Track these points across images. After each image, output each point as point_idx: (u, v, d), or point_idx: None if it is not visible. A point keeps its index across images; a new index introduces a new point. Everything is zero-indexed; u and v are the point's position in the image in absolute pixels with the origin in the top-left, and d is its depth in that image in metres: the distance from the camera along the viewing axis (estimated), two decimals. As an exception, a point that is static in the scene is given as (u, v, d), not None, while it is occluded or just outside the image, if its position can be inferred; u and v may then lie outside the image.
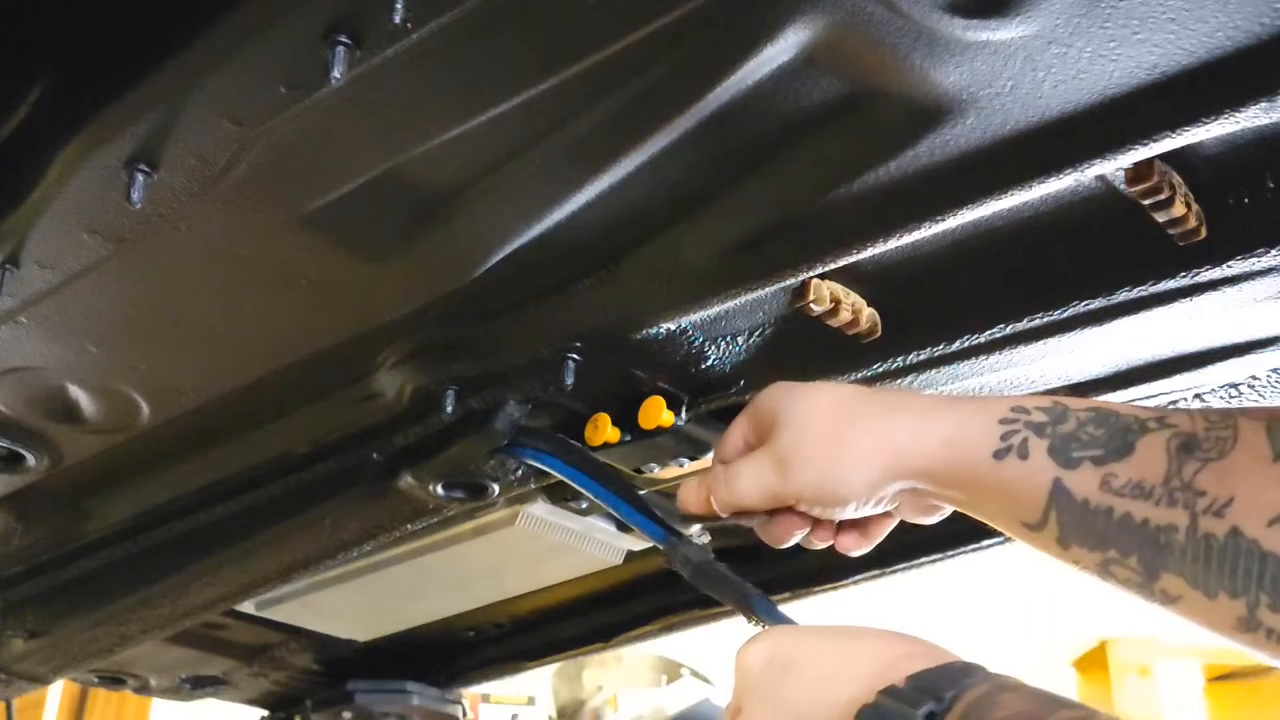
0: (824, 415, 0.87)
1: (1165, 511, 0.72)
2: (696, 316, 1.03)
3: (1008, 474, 0.79)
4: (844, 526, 0.93)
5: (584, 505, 1.37)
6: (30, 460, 1.23)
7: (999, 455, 0.79)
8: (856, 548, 0.94)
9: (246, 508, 1.36)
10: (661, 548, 1.01)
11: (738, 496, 0.91)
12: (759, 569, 1.46)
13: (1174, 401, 1.10)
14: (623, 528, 1.42)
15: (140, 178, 0.85)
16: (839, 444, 0.85)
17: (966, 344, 0.99)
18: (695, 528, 1.35)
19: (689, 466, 1.15)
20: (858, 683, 0.71)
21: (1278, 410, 0.73)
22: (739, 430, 0.94)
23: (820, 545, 0.94)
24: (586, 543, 1.47)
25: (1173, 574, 0.72)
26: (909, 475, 0.84)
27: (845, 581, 1.46)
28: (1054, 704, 0.65)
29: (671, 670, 3.70)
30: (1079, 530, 0.76)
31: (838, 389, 0.90)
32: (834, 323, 0.99)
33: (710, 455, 1.13)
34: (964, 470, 0.81)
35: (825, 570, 1.46)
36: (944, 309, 1.00)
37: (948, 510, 0.89)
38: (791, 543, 0.93)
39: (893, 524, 0.93)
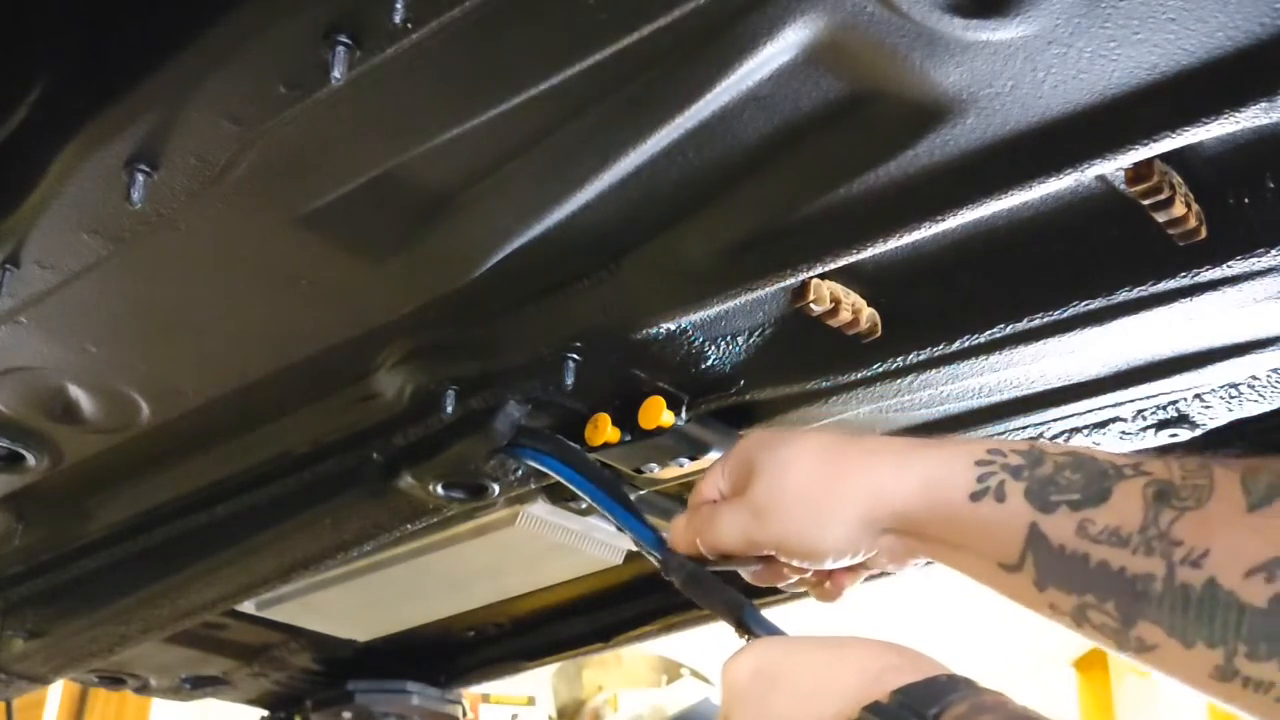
0: (801, 466, 0.86)
1: (1142, 560, 0.72)
2: (696, 316, 1.03)
3: (984, 515, 0.78)
4: (824, 576, 0.92)
5: (584, 505, 1.37)
6: (30, 460, 1.23)
7: (975, 497, 0.79)
8: (830, 598, 0.93)
9: (246, 508, 1.36)
10: (653, 554, 1.00)
11: (718, 541, 0.90)
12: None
13: (1174, 401, 1.10)
14: (620, 529, 1.43)
15: (140, 178, 0.85)
16: (817, 495, 0.85)
17: (966, 344, 0.99)
18: None
19: (689, 466, 1.15)
20: (843, 697, 0.71)
21: (1252, 460, 0.73)
22: (716, 475, 0.93)
23: (804, 590, 0.94)
24: (586, 543, 1.47)
25: (1149, 622, 0.71)
26: (887, 520, 0.83)
27: (845, 581, 1.46)
28: None
29: (671, 670, 3.70)
30: (1055, 574, 0.75)
31: (816, 438, 0.89)
32: (834, 323, 0.99)
33: (709, 457, 1.13)
34: (941, 512, 0.80)
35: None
36: (944, 309, 1.00)
37: (920, 562, 0.88)
38: (782, 584, 0.93)
39: (860, 577, 0.92)
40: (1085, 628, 0.76)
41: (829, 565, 0.87)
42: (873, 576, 0.92)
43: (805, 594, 0.96)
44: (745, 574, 0.93)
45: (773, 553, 0.88)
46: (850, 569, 0.90)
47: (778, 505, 0.86)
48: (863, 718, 0.68)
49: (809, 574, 0.91)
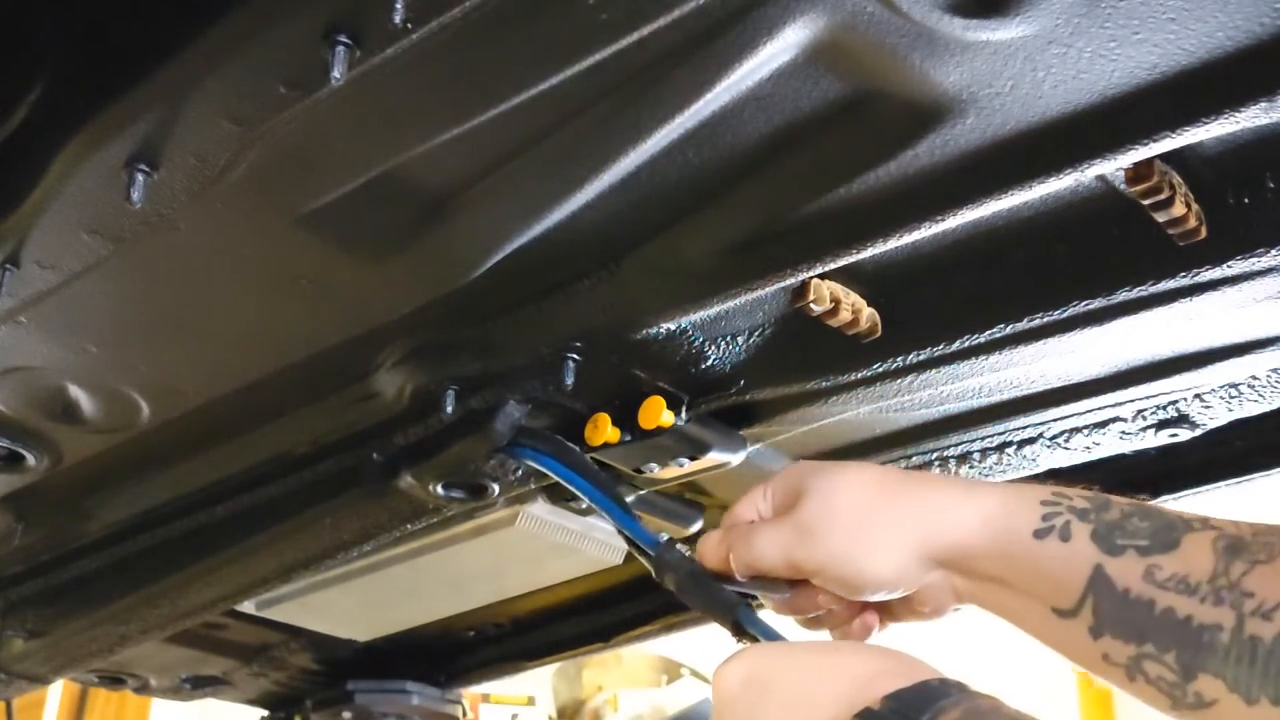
0: (855, 490, 0.84)
1: (1210, 610, 0.70)
2: (696, 316, 1.03)
3: (1047, 554, 0.76)
4: (856, 610, 0.89)
5: (584, 505, 1.37)
6: (30, 460, 1.23)
7: (1039, 534, 0.77)
8: (856, 640, 0.89)
9: (246, 508, 1.36)
10: (647, 556, 1.00)
11: (755, 558, 0.88)
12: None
13: (1174, 401, 1.10)
14: (619, 530, 1.43)
15: (140, 178, 0.85)
16: (869, 519, 0.83)
17: (966, 344, 0.99)
18: (689, 530, 1.35)
19: (689, 466, 1.15)
20: (835, 703, 0.70)
21: None
22: (757, 497, 0.92)
23: (835, 627, 0.90)
24: (586, 543, 1.47)
25: (1211, 675, 0.70)
26: (941, 552, 0.81)
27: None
28: None
29: (671, 670, 3.70)
30: (1115, 620, 0.74)
31: (868, 469, 0.87)
32: (834, 323, 0.99)
33: (709, 457, 1.13)
34: (1002, 547, 0.78)
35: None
36: (944, 309, 1.00)
37: (954, 609, 0.86)
38: (812, 615, 0.90)
39: (892, 620, 0.89)
40: (1138, 681, 0.74)
41: (867, 596, 0.85)
42: (904, 620, 0.89)
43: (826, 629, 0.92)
44: (771, 600, 0.90)
45: (810, 578, 0.86)
46: (884, 608, 0.88)
47: (827, 526, 0.84)
48: None
49: (840, 606, 0.88)
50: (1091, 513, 0.77)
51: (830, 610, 0.89)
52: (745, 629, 0.89)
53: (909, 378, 1.04)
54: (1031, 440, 1.17)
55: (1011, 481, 0.83)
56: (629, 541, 1.04)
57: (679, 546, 0.98)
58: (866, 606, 0.88)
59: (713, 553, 0.92)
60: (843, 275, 0.98)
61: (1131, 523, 0.76)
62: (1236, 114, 0.75)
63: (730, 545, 0.90)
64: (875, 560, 0.82)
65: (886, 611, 0.89)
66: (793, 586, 0.88)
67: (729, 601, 0.91)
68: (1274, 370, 1.05)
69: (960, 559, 0.81)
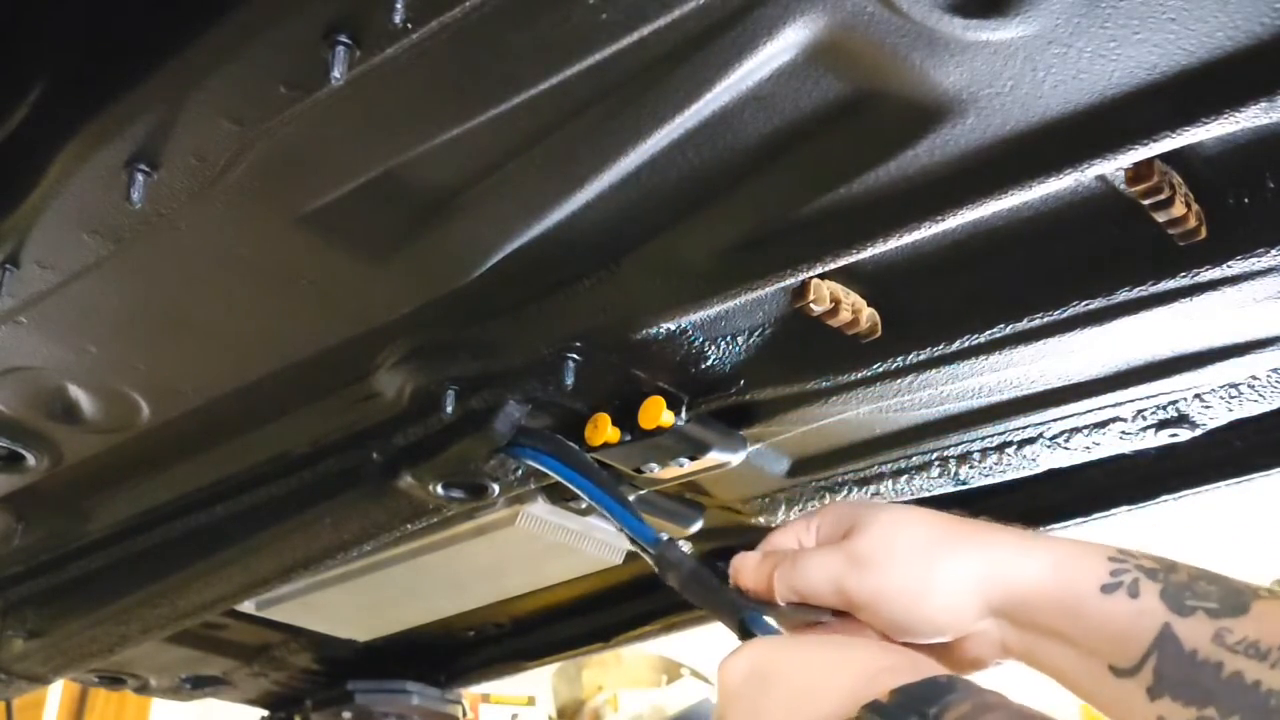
0: (916, 528, 0.83)
1: None
2: (696, 316, 1.03)
3: (1114, 610, 0.75)
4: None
5: (584, 505, 1.37)
6: (30, 460, 1.23)
7: (1107, 589, 0.76)
8: None
9: (246, 508, 1.36)
10: (650, 554, 1.00)
11: (803, 584, 0.85)
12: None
13: (1174, 401, 1.10)
14: (620, 529, 1.43)
15: (140, 178, 0.85)
16: (930, 557, 0.81)
17: (966, 344, 0.99)
18: (688, 530, 1.35)
19: (689, 466, 1.15)
20: (839, 697, 0.70)
21: None
22: (799, 527, 0.90)
23: None
24: (586, 543, 1.47)
25: None
26: (1000, 600, 0.79)
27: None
28: None
29: (671, 670, 3.70)
30: (1178, 682, 0.72)
31: (924, 509, 0.85)
32: (834, 322, 0.99)
33: (709, 457, 1.13)
34: (1067, 600, 0.77)
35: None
36: (944, 309, 1.00)
37: (995, 663, 0.84)
38: None
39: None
40: None
41: (915, 637, 0.82)
42: None
43: None
44: (791, 630, 0.88)
45: (858, 610, 0.83)
46: (929, 652, 0.84)
47: (885, 559, 0.82)
48: (862, 717, 0.67)
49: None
50: (1160, 573, 0.76)
51: None
52: (750, 629, 0.89)
53: (909, 378, 1.04)
54: (1031, 440, 1.17)
55: (1072, 540, 0.81)
56: (631, 540, 1.04)
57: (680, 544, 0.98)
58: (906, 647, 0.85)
59: (752, 574, 0.89)
60: (843, 275, 0.98)
61: (1199, 585, 0.74)
62: (1236, 114, 0.75)
63: (774, 567, 0.87)
64: (933, 599, 0.80)
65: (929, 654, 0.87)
66: (836, 616, 0.85)
67: (734, 601, 0.91)
68: (1274, 370, 1.05)
69: (1018, 607, 0.79)
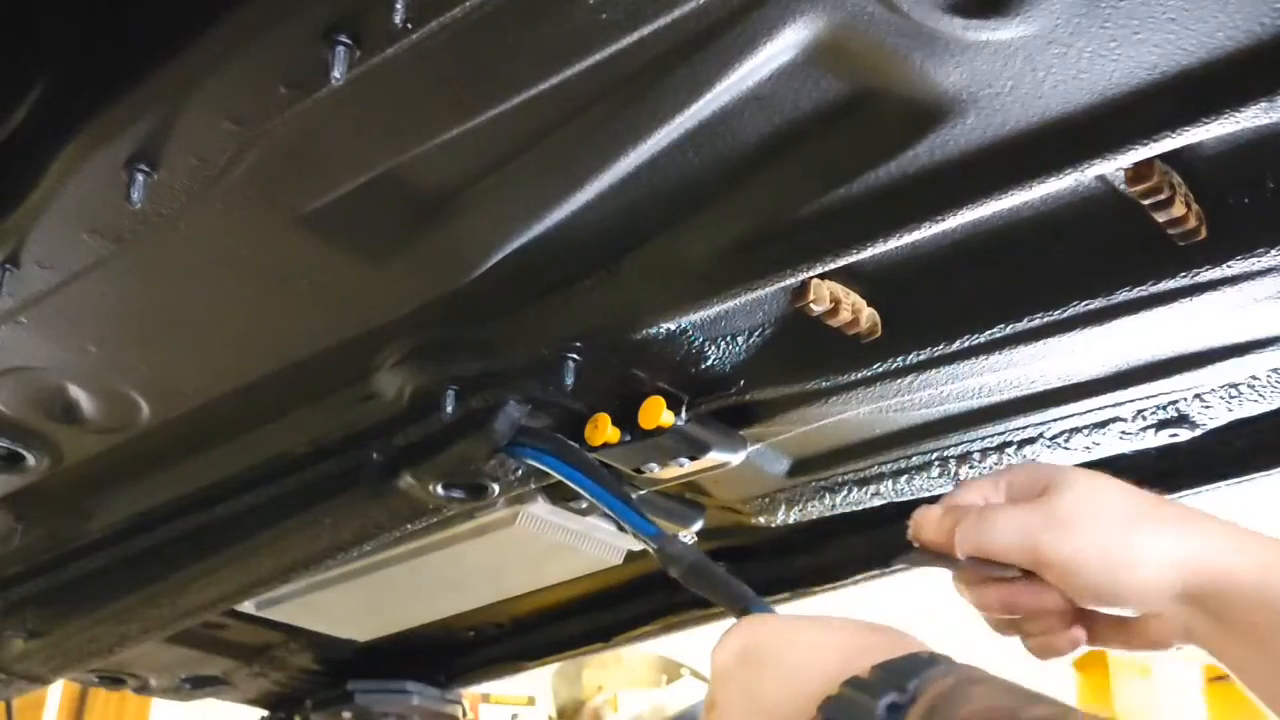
0: (1119, 493, 0.80)
1: None
2: (696, 316, 1.03)
3: None
4: (1072, 619, 0.82)
5: (584, 505, 1.37)
6: (30, 460, 1.23)
7: None
8: (1056, 652, 0.83)
9: (246, 508, 1.36)
10: (653, 547, 1.00)
11: (990, 539, 0.81)
12: (755, 569, 1.46)
13: (1174, 401, 1.10)
14: (623, 528, 1.43)
15: (140, 178, 0.86)
16: (1135, 526, 0.78)
17: (966, 344, 0.99)
18: (689, 529, 1.35)
19: (689, 466, 1.15)
20: (825, 674, 0.70)
21: None
22: (986, 485, 0.86)
23: (1040, 634, 0.83)
24: (586, 543, 1.47)
25: None
26: (1200, 584, 0.76)
27: (845, 581, 1.46)
28: (1027, 698, 0.63)
29: (671, 670, 3.70)
30: None
31: (1123, 484, 0.82)
32: (834, 322, 0.99)
33: (709, 457, 1.13)
34: (1273, 596, 0.75)
35: (825, 569, 1.46)
36: (944, 309, 1.00)
37: (1175, 646, 0.81)
38: (1019, 614, 0.83)
39: (1103, 641, 0.83)
40: None
41: (1105, 605, 0.80)
42: (1111, 645, 0.84)
43: (1014, 634, 0.84)
44: (969, 588, 0.84)
45: (1046, 570, 0.80)
46: (1097, 626, 0.82)
47: (1088, 521, 0.79)
48: (842, 692, 0.68)
49: (1060, 611, 0.82)
50: None
51: (1044, 613, 0.82)
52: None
53: (909, 378, 1.04)
54: (1031, 440, 1.17)
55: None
56: (634, 535, 1.04)
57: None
58: (1083, 617, 0.82)
59: (933, 527, 0.85)
60: (843, 275, 0.98)
61: None
62: (1236, 114, 0.75)
63: (957, 521, 0.83)
64: (1134, 570, 0.77)
65: (1097, 630, 0.83)
66: (1022, 574, 0.81)
67: (738, 592, 0.91)
68: (1274, 370, 1.05)
69: (1218, 594, 0.76)
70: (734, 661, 0.77)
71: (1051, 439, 1.16)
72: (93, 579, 1.49)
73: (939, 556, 0.85)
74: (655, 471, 1.16)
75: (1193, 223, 0.86)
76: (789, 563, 1.46)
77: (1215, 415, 1.10)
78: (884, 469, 1.24)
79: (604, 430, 1.12)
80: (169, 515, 1.40)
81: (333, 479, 1.29)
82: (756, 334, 1.07)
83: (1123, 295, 0.92)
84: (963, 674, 0.66)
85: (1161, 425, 1.12)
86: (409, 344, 1.11)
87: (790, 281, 0.96)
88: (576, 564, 1.55)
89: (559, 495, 1.36)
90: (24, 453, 1.22)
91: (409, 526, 1.29)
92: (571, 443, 1.13)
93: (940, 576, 0.87)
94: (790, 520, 1.32)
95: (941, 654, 0.69)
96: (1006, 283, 0.96)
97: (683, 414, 1.10)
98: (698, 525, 1.36)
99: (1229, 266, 0.88)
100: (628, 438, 1.12)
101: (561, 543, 1.45)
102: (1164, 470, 1.22)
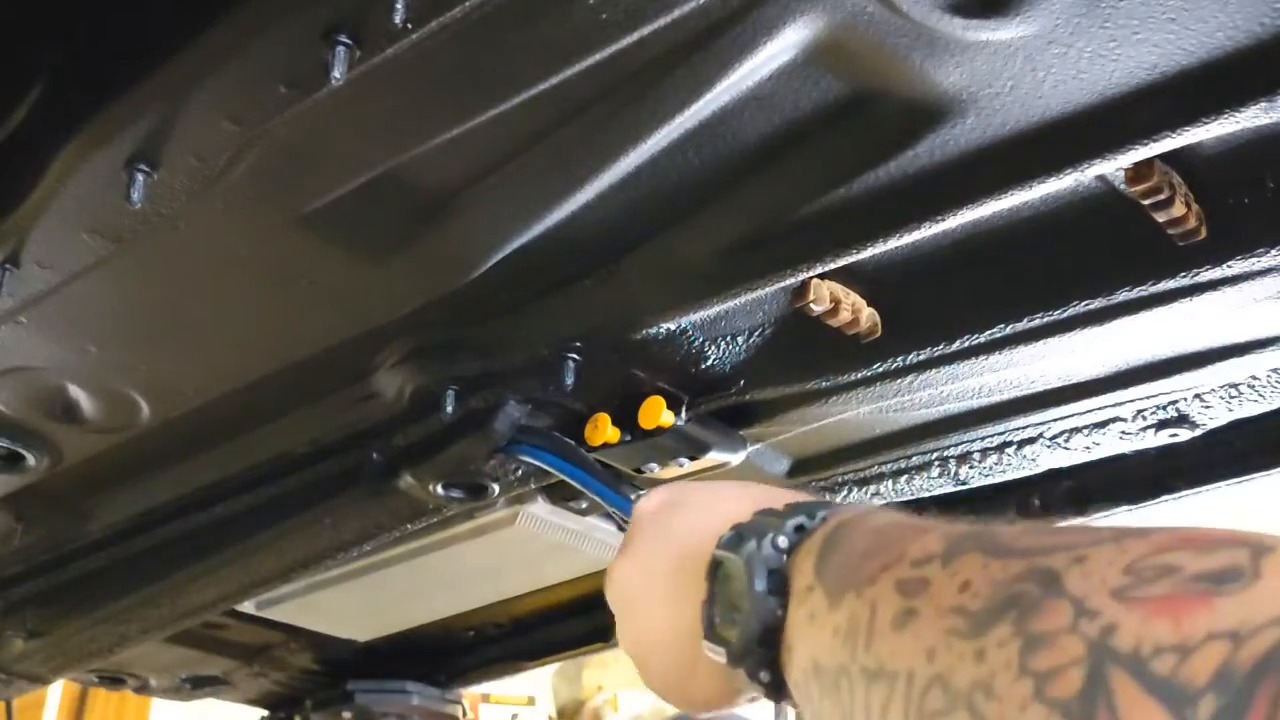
0: None
1: None
2: (696, 316, 1.03)
3: None
4: None
5: (584, 505, 1.37)
6: (30, 460, 1.23)
7: None
8: None
9: (246, 508, 1.36)
10: None
11: None
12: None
13: (1174, 401, 1.10)
14: (623, 527, 1.43)
15: (140, 178, 0.85)
16: None
17: (966, 344, 0.99)
18: None
19: (689, 466, 1.15)
20: (739, 512, 0.71)
21: None
22: None
23: None
24: (586, 543, 1.47)
25: None
26: None
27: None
28: (919, 524, 0.63)
29: (671, 670, 3.69)
30: None
31: None
32: (834, 322, 0.99)
33: (709, 457, 1.13)
34: None
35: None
36: (944, 309, 1.00)
37: None
38: None
39: None
40: None
41: None
42: None
43: None
44: None
45: None
46: None
47: None
48: (753, 519, 0.69)
49: None
50: None
51: None
52: None
53: (909, 378, 1.04)
54: (1031, 440, 1.17)
55: None
56: None
57: None
58: None
59: None
60: (843, 275, 0.98)
61: None
62: (1236, 114, 0.75)
63: None
64: None
65: None
66: None
67: None
68: (1274, 370, 1.05)
69: None
70: (652, 508, 0.80)
71: (1051, 439, 1.16)
72: (93, 579, 1.49)
73: None
74: (655, 471, 1.16)
75: (1193, 223, 0.86)
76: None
77: (1215, 415, 1.10)
78: (884, 469, 1.24)
79: (604, 430, 1.12)
80: (169, 515, 1.40)
81: (333, 479, 1.29)
82: (756, 334, 1.07)
83: (1123, 295, 0.92)
84: (868, 507, 0.68)
85: (1161, 425, 1.12)
86: (409, 344, 1.11)
87: (790, 281, 0.96)
88: (576, 564, 1.55)
89: (559, 495, 1.36)
90: (24, 453, 1.22)
91: (409, 526, 1.29)
92: (570, 440, 1.13)
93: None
94: (790, 520, 1.32)
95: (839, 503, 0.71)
96: (1006, 283, 0.96)
97: (683, 414, 1.10)
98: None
99: (1229, 266, 0.88)
100: (628, 438, 1.12)
101: (561, 543, 1.46)
102: (1164, 470, 1.22)
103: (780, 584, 0.64)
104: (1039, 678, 0.44)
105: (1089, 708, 0.41)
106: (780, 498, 0.72)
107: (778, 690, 0.66)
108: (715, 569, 0.69)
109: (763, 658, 0.64)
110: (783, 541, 0.66)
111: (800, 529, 0.66)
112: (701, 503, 0.78)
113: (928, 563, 0.55)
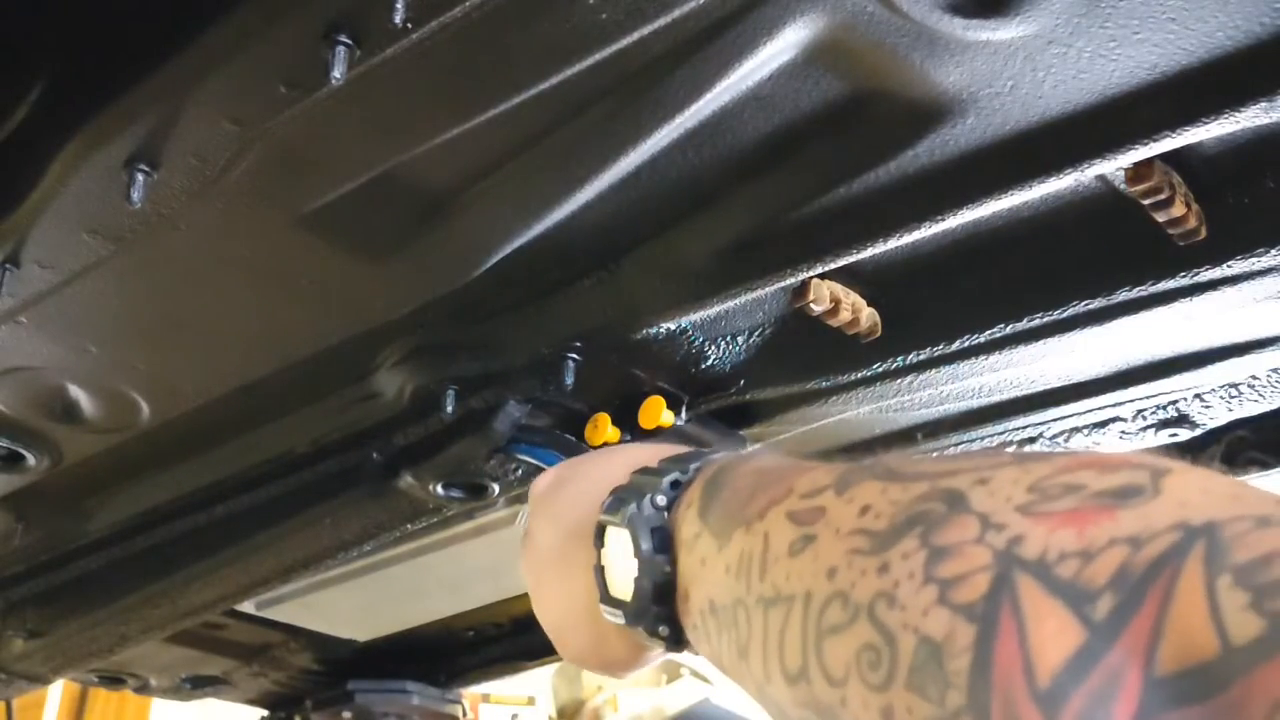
0: None
1: None
2: (696, 316, 1.03)
3: None
4: None
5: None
6: (30, 460, 1.23)
7: None
8: None
9: (246, 508, 1.36)
10: None
11: None
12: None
13: (1174, 401, 1.10)
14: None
15: (140, 178, 0.85)
16: None
17: (966, 344, 0.99)
18: None
19: (689, 466, 1.15)
20: (619, 475, 0.73)
21: None
22: None
23: None
24: (586, 543, 1.47)
25: None
26: None
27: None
28: (800, 463, 0.64)
29: (671, 670, 3.69)
30: None
31: None
32: (834, 322, 0.99)
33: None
34: None
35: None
36: (944, 309, 1.00)
37: None
38: None
39: None
40: None
41: None
42: None
43: None
44: None
45: None
46: None
47: None
48: (631, 479, 0.71)
49: None
50: None
51: None
52: None
53: (909, 378, 1.04)
54: (1031, 440, 1.17)
55: None
56: None
57: None
58: None
59: None
60: (843, 275, 0.98)
61: None
62: (1236, 114, 0.75)
63: None
64: None
65: None
66: None
67: None
68: (1274, 370, 1.05)
69: None
70: (543, 488, 0.82)
71: (1051, 439, 1.16)
72: (93, 579, 1.49)
73: None
74: (655, 471, 1.16)
75: (1193, 223, 0.86)
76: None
77: (1215, 415, 1.10)
78: (884, 469, 1.24)
79: (604, 430, 1.12)
80: (169, 515, 1.40)
81: (333, 479, 1.29)
82: (756, 334, 1.07)
83: (1123, 295, 0.92)
84: (745, 454, 0.69)
85: (1161, 425, 1.12)
86: (409, 344, 1.11)
87: (790, 281, 0.96)
88: (576, 564, 1.55)
89: (559, 495, 1.35)
90: (24, 453, 1.22)
91: (409, 526, 1.29)
92: (570, 437, 1.13)
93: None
94: (790, 520, 1.32)
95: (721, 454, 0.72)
96: (1006, 283, 0.96)
97: (683, 414, 1.10)
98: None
99: (1229, 266, 0.88)
100: (628, 437, 1.12)
101: (561, 543, 1.45)
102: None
103: (665, 540, 0.66)
104: (943, 584, 0.45)
105: (993, 609, 0.42)
106: (657, 454, 0.74)
107: (678, 643, 0.68)
108: (600, 535, 0.71)
109: (660, 614, 0.66)
110: (660, 500, 0.67)
111: (675, 484, 0.68)
112: (587, 473, 0.80)
113: (819, 494, 0.56)
